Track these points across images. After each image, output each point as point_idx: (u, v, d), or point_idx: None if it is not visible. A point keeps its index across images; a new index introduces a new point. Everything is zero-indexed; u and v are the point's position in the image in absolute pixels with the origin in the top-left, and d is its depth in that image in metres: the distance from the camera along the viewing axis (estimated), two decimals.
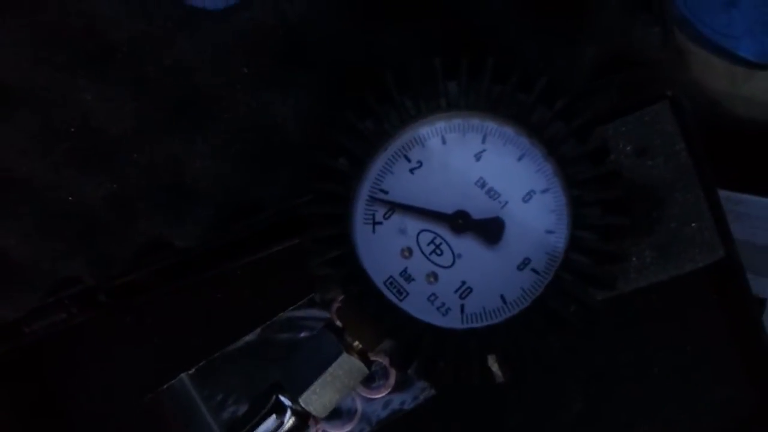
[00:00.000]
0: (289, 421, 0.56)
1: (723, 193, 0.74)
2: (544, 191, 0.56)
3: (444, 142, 0.57)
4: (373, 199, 0.57)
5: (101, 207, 0.68)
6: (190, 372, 0.71)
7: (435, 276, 0.55)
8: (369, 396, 0.69)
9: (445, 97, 0.56)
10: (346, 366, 0.55)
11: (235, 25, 0.64)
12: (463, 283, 0.55)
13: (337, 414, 0.70)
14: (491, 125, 0.57)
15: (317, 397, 0.55)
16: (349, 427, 0.70)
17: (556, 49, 0.65)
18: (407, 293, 0.55)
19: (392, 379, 0.69)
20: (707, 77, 0.78)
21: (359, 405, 0.70)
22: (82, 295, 0.70)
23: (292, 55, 0.65)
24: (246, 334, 0.71)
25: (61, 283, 0.69)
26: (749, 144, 0.81)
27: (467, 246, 0.56)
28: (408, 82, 0.57)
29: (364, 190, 0.57)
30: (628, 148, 0.65)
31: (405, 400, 0.70)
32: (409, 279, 0.55)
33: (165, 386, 0.71)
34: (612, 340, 0.69)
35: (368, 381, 0.69)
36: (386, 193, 0.57)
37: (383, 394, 0.70)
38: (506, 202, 0.56)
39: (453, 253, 0.56)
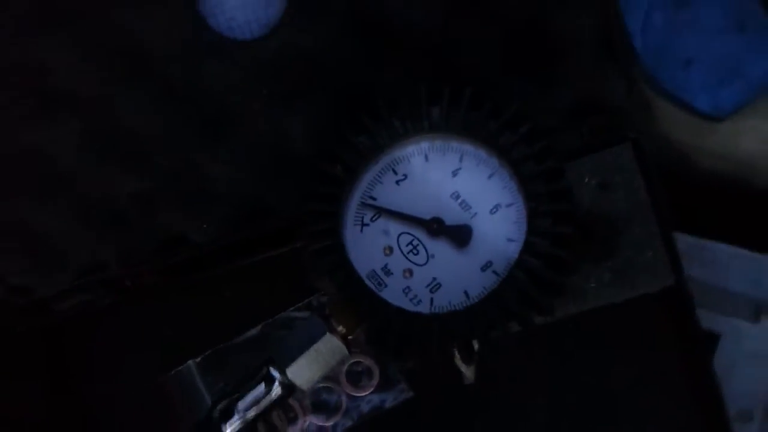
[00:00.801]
0: (276, 390, 0.61)
1: (689, 239, 0.79)
2: (508, 205, 0.61)
3: (427, 159, 0.62)
4: (363, 204, 0.62)
5: (128, 202, 0.72)
6: (197, 360, 0.74)
7: (410, 272, 0.61)
8: (354, 393, 0.73)
9: (428, 120, 0.61)
10: (329, 345, 0.60)
11: (259, 53, 0.69)
12: (434, 279, 0.61)
13: (324, 408, 0.73)
14: (467, 147, 0.62)
15: (302, 370, 0.60)
16: (334, 420, 0.73)
17: (532, 92, 0.70)
18: (386, 285, 0.61)
19: (376, 380, 0.73)
20: (674, 130, 0.81)
21: (344, 401, 0.73)
22: (108, 281, 0.73)
23: (305, 81, 0.70)
24: (249, 329, 0.74)
25: (91, 267, 0.73)
26: (716, 194, 0.84)
27: (440, 248, 0.61)
28: (398, 106, 0.62)
29: (356, 196, 0.62)
30: (593, 182, 0.69)
31: (385, 399, 0.73)
32: (388, 273, 0.61)
33: (173, 371, 0.74)
34: (574, 357, 0.72)
35: (354, 380, 0.73)
36: (375, 199, 0.62)
37: (367, 393, 0.73)
38: (476, 213, 0.61)
39: (427, 253, 0.61)
